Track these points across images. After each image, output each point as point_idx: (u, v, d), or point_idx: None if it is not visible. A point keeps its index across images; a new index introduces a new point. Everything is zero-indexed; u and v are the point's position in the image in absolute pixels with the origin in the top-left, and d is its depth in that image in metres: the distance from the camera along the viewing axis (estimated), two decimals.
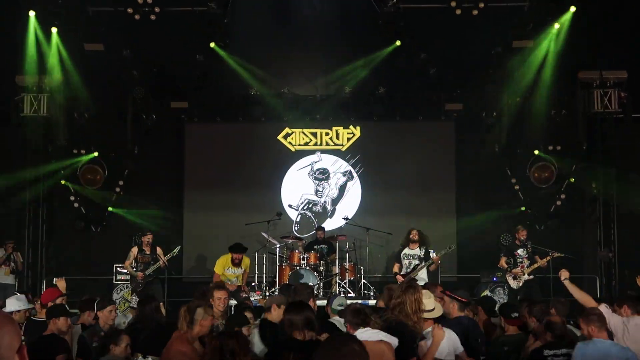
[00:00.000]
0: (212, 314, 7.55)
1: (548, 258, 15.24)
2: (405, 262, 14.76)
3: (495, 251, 17.86)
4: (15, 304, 9.84)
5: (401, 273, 14.72)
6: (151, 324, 8.87)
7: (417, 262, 14.73)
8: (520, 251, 15.34)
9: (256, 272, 17.14)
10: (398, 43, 18.19)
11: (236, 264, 14.95)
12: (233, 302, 13.22)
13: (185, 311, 7.44)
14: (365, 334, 6.77)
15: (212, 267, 15.86)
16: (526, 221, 18.35)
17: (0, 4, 16.42)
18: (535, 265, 15.13)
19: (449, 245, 15.96)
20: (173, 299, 17.21)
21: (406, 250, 14.79)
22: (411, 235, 14.98)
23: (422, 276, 14.52)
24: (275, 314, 8.48)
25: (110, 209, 19.30)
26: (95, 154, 19.04)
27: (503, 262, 15.53)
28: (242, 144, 19.76)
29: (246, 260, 15.30)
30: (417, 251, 14.78)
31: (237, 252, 15.01)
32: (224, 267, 15.02)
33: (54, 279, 14.88)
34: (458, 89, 19.13)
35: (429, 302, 7.69)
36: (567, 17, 17.09)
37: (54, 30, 17.43)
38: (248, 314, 9.43)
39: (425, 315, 7.61)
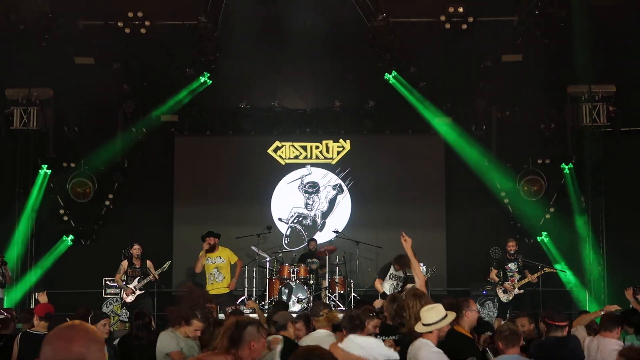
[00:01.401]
0: (264, 335, 6.16)
1: (539, 274, 15.31)
2: (393, 282, 14.74)
3: (485, 264, 17.91)
4: None
5: (389, 293, 14.65)
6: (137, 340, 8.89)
7: (402, 283, 14.71)
8: (511, 265, 15.37)
9: (246, 286, 17.15)
10: (388, 57, 18.27)
11: (209, 250, 14.92)
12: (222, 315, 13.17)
13: (231, 327, 5.94)
14: (359, 340, 6.79)
15: (201, 280, 15.85)
16: (515, 234, 18.41)
17: None
18: (526, 280, 15.18)
19: (431, 267, 16.00)
20: (163, 312, 17.18)
21: (392, 271, 14.77)
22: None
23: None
24: (292, 331, 8.34)
25: (99, 222, 19.25)
26: (85, 167, 18.99)
27: (493, 274, 15.56)
28: (232, 157, 19.75)
29: (226, 251, 15.26)
30: (401, 272, 14.78)
31: (207, 237, 15.03)
32: (202, 260, 15.00)
33: (36, 293, 14.80)
34: (447, 102, 19.19)
35: (433, 314, 7.10)
36: (555, 31, 17.18)
37: (44, 43, 17.43)
38: None
39: (425, 329, 7.04)
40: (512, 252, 15.53)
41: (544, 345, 7.93)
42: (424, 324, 7.08)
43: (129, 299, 15.21)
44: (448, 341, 7.24)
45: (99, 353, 3.16)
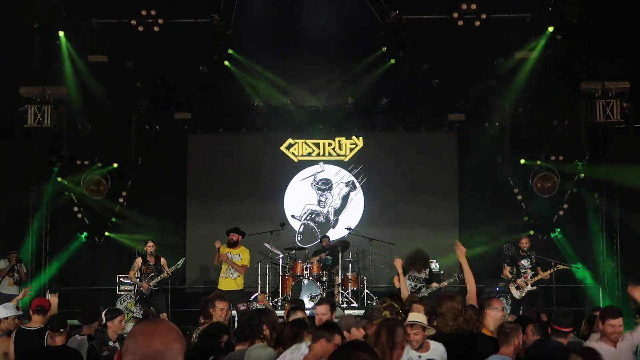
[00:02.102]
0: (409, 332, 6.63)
1: (552, 270, 15.26)
2: (411, 282, 14.70)
3: (498, 261, 17.87)
4: (2, 311, 9.80)
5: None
6: None
7: (422, 284, 14.66)
8: (524, 261, 15.34)
9: (259, 283, 17.18)
10: (401, 54, 18.26)
11: (232, 244, 15.01)
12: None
13: (387, 332, 6.30)
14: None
15: (215, 277, 15.88)
16: (529, 231, 18.38)
17: (4, 15, 16.49)
18: (538, 277, 15.13)
19: (457, 273, 15.79)
20: (176, 309, 17.28)
21: (412, 272, 14.74)
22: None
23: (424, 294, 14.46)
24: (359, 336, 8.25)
25: (113, 219, 19.31)
26: (99, 164, 19.06)
27: (507, 272, 15.52)
28: (245, 154, 19.78)
29: (246, 253, 15.33)
30: (422, 274, 14.74)
31: (232, 232, 15.11)
32: (220, 252, 15.12)
33: (48, 294, 14.88)
34: (460, 99, 19.18)
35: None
36: (569, 27, 17.15)
37: (58, 41, 17.52)
38: None
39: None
40: (525, 248, 15.49)
41: (546, 349, 7.50)
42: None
43: (145, 288, 15.20)
44: (473, 343, 7.20)
45: (177, 354, 3.18)
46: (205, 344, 8.03)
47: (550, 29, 17.31)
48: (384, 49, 18.37)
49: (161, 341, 3.17)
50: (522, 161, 18.97)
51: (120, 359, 3.21)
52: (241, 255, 15.22)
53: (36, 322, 9.46)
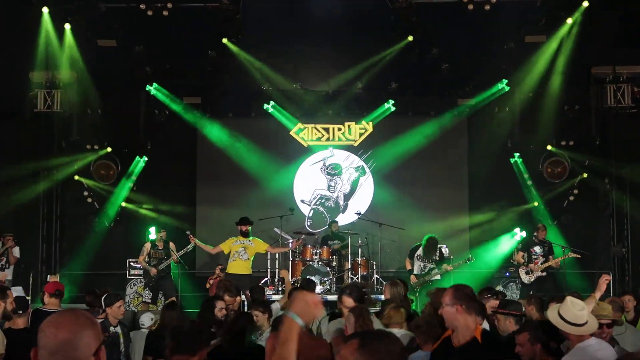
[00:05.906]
0: None
1: (560, 259, 15.25)
2: (420, 264, 14.77)
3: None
4: None
5: (415, 273, 14.74)
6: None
7: (432, 265, 14.73)
8: (537, 248, 15.35)
9: (269, 267, 17.19)
10: (410, 38, 18.18)
11: (244, 233, 15.05)
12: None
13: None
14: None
15: (224, 262, 15.89)
16: (539, 216, 18.34)
17: (13, 0, 16.50)
18: (548, 264, 15.13)
19: (467, 257, 15.73)
20: (186, 293, 17.32)
21: (420, 252, 14.78)
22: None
23: (436, 276, 14.60)
24: None
25: (123, 204, 19.34)
26: (109, 149, 19.09)
27: (519, 257, 15.51)
28: (255, 139, 19.75)
29: (257, 239, 15.36)
30: (433, 255, 14.80)
31: (241, 224, 15.13)
32: (231, 242, 15.13)
33: (49, 276, 14.88)
34: (470, 84, 19.10)
35: (580, 315, 5.84)
36: (579, 11, 17.06)
37: (67, 26, 17.51)
38: (257, 312, 9.29)
39: (573, 330, 5.79)
40: (541, 238, 15.51)
41: None
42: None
43: (153, 273, 15.25)
44: None
45: (88, 339, 3.15)
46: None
47: (561, 13, 17.22)
48: (394, 33, 18.26)
49: (68, 330, 3.13)
50: (532, 146, 18.92)
51: (36, 355, 3.17)
52: (254, 243, 15.20)
53: (53, 304, 9.66)
